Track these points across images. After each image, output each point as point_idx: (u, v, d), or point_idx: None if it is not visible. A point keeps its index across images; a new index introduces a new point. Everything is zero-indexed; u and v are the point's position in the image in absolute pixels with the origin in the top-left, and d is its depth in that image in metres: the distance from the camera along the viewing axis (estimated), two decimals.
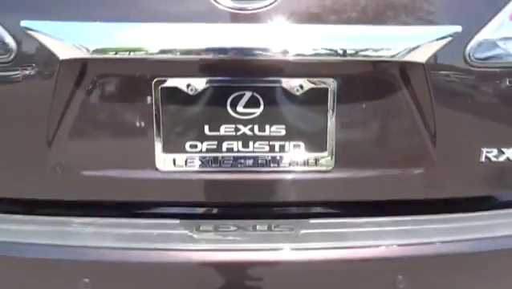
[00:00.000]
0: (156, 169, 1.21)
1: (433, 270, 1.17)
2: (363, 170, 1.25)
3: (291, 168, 1.23)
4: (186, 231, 1.16)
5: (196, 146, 1.21)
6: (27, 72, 1.12)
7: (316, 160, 1.23)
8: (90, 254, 1.11)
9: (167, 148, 1.20)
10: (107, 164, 1.21)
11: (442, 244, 1.16)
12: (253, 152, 1.21)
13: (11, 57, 1.11)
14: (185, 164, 1.21)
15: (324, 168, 1.23)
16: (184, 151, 1.20)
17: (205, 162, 1.21)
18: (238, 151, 1.21)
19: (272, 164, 1.22)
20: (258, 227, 1.21)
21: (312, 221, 1.24)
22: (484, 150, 1.23)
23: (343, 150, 1.22)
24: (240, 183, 1.24)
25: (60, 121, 1.16)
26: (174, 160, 1.21)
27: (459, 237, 1.19)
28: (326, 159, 1.23)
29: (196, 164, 1.21)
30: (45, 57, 1.10)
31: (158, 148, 1.19)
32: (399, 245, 1.16)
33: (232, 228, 1.20)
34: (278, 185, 1.26)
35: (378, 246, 1.15)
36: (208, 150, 1.20)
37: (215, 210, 1.33)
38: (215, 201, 1.30)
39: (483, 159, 1.24)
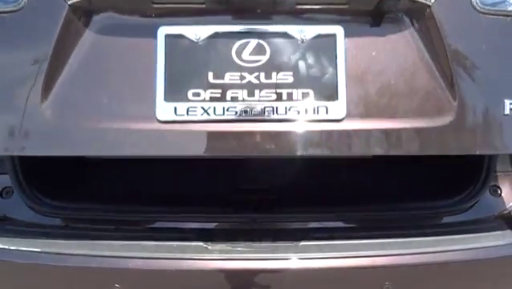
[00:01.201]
0: (156, 119, 1.16)
1: (422, 279, 1.26)
2: (376, 120, 1.18)
3: (300, 118, 1.17)
4: (201, 243, 1.27)
5: (199, 94, 1.17)
6: (33, 19, 1.16)
7: (327, 109, 1.17)
8: (120, 263, 1.21)
9: (168, 97, 1.16)
10: (105, 114, 1.18)
11: (432, 254, 1.27)
12: (259, 100, 1.16)
13: (21, 4, 1.15)
14: (187, 113, 1.16)
15: (335, 118, 1.17)
16: (186, 99, 1.16)
17: (208, 111, 1.16)
18: (243, 100, 1.16)
19: (280, 114, 1.16)
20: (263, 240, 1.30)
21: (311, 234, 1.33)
22: (508, 102, 1.18)
23: (354, 99, 1.17)
24: (245, 134, 1.18)
25: (61, 69, 1.17)
26: (175, 109, 1.16)
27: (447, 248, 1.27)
28: (337, 108, 1.17)
29: (198, 113, 1.16)
30: (52, 2, 1.14)
31: (159, 97, 1.16)
32: (390, 255, 1.24)
33: (241, 241, 1.29)
34: (286, 136, 1.19)
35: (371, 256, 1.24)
36: (211, 99, 1.16)
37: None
38: (217, 154, 1.24)
39: (508, 111, 1.18)
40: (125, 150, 1.21)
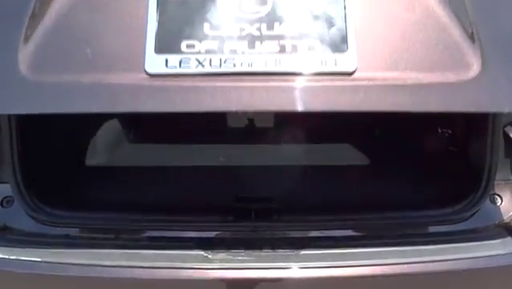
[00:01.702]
0: (145, 72, 1.06)
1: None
2: (390, 73, 1.08)
3: (306, 71, 1.07)
4: (202, 252, 1.27)
5: (193, 46, 1.07)
6: None
7: (335, 62, 1.07)
8: (121, 273, 1.21)
9: (160, 48, 1.07)
10: (89, 67, 1.08)
11: (433, 263, 1.26)
12: (260, 53, 1.06)
13: None
14: (179, 65, 1.05)
15: (345, 70, 1.07)
16: (179, 51, 1.06)
17: (203, 63, 1.05)
18: (243, 52, 1.06)
19: (283, 67, 1.06)
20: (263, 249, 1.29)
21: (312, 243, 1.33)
22: None
23: (366, 50, 1.08)
24: (244, 89, 1.06)
25: (42, 18, 1.09)
26: (166, 61, 1.06)
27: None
28: (347, 60, 1.07)
29: (192, 66, 1.05)
30: None
31: (149, 48, 1.06)
32: (390, 264, 1.24)
33: (241, 250, 1.29)
34: (290, 90, 1.07)
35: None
36: (207, 51, 1.06)
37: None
38: (210, 110, 1.09)
39: None
40: (110, 106, 1.11)
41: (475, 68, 1.08)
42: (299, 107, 1.08)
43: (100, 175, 1.85)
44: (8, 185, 1.41)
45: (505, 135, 1.43)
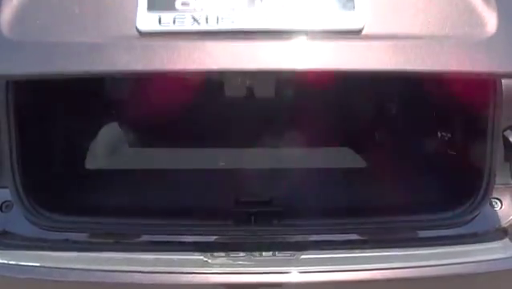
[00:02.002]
0: (136, 29, 1.00)
1: None
2: (400, 31, 1.03)
3: (311, 29, 1.02)
4: (201, 256, 1.27)
5: (188, 4, 1.02)
6: None
7: (342, 19, 1.02)
8: (120, 277, 1.21)
9: (152, 5, 1.02)
10: (77, 26, 1.04)
11: (433, 267, 1.27)
12: (261, 9, 1.00)
13: None
14: (173, 23, 1.00)
15: (352, 28, 1.02)
16: (173, 9, 1.01)
17: (198, 21, 0.99)
18: (242, 9, 1.00)
19: (286, 24, 1.00)
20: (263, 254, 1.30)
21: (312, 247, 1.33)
22: None
23: (374, 7, 1.03)
24: (242, 46, 1.01)
25: None
26: (160, 19, 1.00)
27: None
28: (354, 17, 1.02)
29: (187, 23, 0.99)
30: None
31: (142, 6, 1.01)
32: (390, 268, 1.24)
33: (241, 254, 1.29)
34: (292, 48, 1.02)
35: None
36: (203, 8, 1.01)
37: None
38: (207, 69, 1.04)
39: None
40: (98, 65, 1.03)
41: (490, 28, 1.03)
42: (302, 66, 1.02)
43: (99, 179, 1.85)
44: (7, 190, 1.41)
45: (505, 139, 1.44)
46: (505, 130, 1.44)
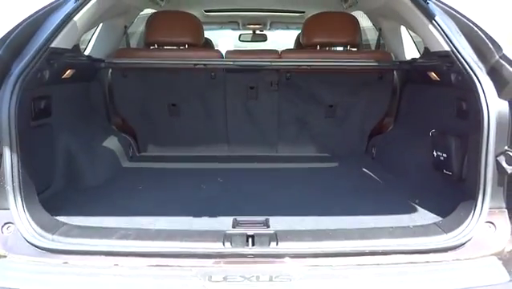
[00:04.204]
0: None
1: None
2: None
3: None
4: (199, 281, 1.29)
5: None
6: None
7: None
8: None
9: None
10: None
11: None
12: None
13: None
14: None
15: None
16: None
17: None
18: None
19: None
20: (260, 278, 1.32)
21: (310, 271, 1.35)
22: None
23: None
24: None
25: None
26: None
27: None
28: None
29: None
30: None
31: None
32: None
33: (239, 278, 1.31)
34: None
35: None
36: None
37: None
38: None
39: None
40: None
41: None
42: None
43: (99, 202, 1.88)
44: (9, 212, 1.44)
45: (498, 164, 1.46)
46: (498, 156, 1.46)
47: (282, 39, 5.00)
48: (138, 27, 3.28)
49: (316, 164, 2.62)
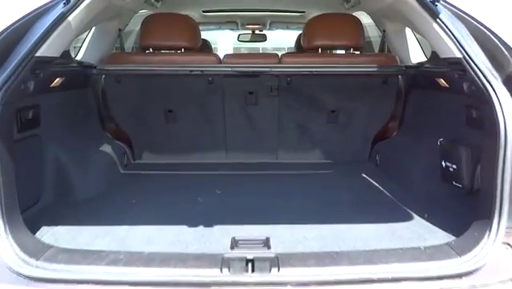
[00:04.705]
0: None
1: None
2: None
3: None
4: None
5: None
6: None
7: None
8: None
9: None
10: None
11: None
12: None
13: None
14: None
15: None
16: None
17: None
18: None
19: None
20: None
21: None
22: None
23: None
24: None
25: None
26: None
27: None
28: None
29: None
30: None
31: None
32: None
33: None
34: None
35: None
36: None
37: None
38: None
39: None
40: None
41: None
42: None
43: (90, 216, 1.78)
44: None
45: None
46: None
47: (282, 37, 4.90)
48: (136, 26, 3.16)
49: (318, 171, 2.53)
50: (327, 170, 2.53)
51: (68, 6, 1.78)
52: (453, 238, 1.52)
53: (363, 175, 2.42)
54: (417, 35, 2.67)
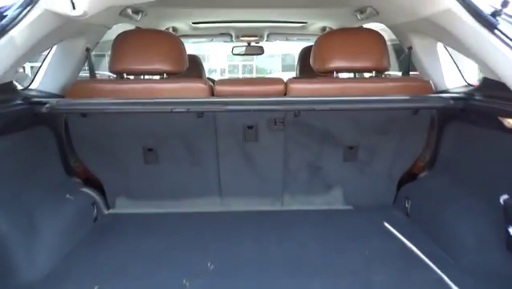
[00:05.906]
0: None
1: None
2: None
3: None
4: None
5: None
6: None
7: None
8: None
9: None
10: None
11: None
12: None
13: None
14: None
15: None
16: None
17: None
18: None
19: None
20: None
21: None
22: None
23: None
24: None
25: None
26: None
27: None
28: None
29: None
30: None
31: None
32: None
33: None
34: None
35: None
36: None
37: None
38: None
39: None
40: None
41: None
42: None
43: (84, 257, 1.55)
44: None
45: None
46: None
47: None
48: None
49: (332, 221, 2.05)
50: (344, 220, 2.06)
51: (8, 18, 1.35)
52: None
53: (391, 229, 1.94)
54: (450, 52, 2.20)
